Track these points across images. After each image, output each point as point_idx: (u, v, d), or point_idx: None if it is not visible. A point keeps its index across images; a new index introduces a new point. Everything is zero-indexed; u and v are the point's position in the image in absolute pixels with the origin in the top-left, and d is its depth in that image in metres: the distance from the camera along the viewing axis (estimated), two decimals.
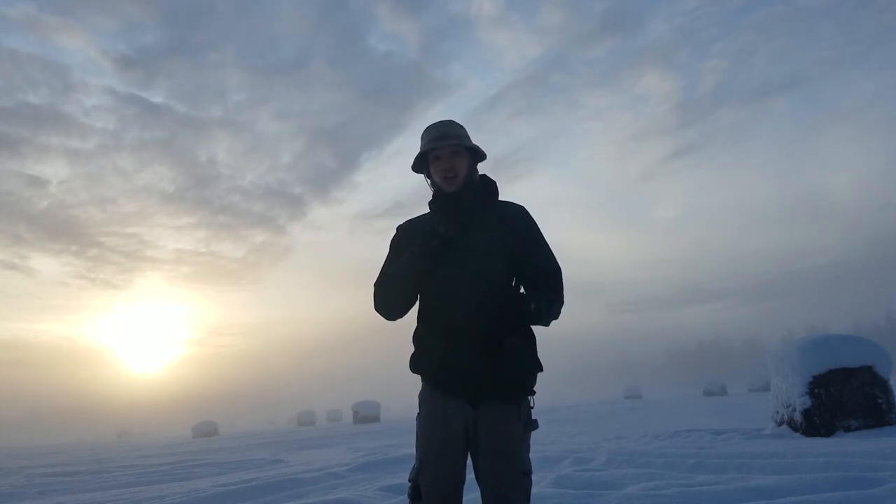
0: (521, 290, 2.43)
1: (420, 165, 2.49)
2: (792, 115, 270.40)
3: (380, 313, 2.43)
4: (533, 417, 2.33)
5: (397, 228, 2.53)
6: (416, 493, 2.29)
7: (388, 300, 2.40)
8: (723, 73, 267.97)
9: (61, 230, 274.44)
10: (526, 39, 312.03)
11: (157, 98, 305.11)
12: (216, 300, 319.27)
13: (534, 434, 2.34)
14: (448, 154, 2.37)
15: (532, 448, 2.35)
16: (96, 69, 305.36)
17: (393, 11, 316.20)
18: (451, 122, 2.45)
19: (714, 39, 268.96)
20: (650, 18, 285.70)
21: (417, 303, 2.45)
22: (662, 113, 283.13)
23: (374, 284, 2.43)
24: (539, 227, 2.47)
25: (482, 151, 2.45)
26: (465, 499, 2.39)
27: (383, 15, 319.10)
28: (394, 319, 2.43)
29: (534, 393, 2.35)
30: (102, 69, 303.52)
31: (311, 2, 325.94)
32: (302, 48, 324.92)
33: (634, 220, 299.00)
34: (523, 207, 2.49)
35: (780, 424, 9.12)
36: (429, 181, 2.48)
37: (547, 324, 2.32)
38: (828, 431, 8.33)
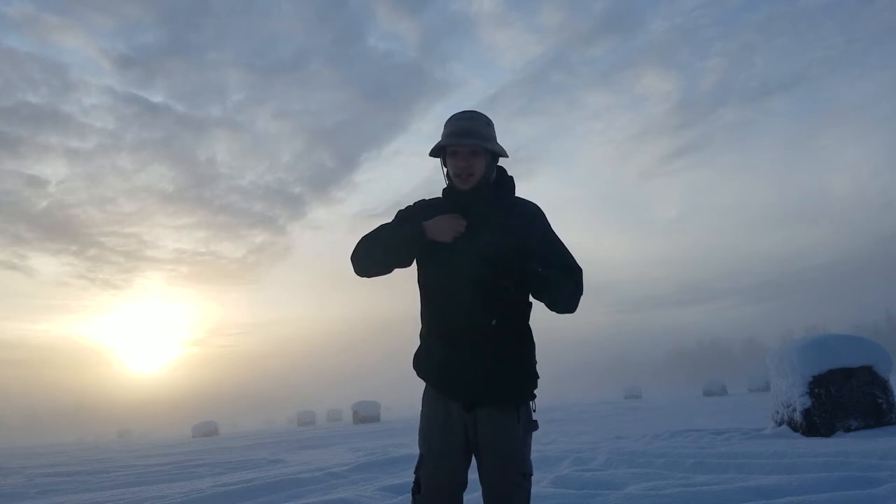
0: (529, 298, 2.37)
1: (439, 151, 2.42)
2: (792, 115, 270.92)
3: (353, 263, 2.36)
4: (533, 419, 2.33)
5: (414, 203, 2.46)
6: (417, 487, 2.33)
7: (369, 257, 2.33)
8: (723, 73, 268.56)
9: (61, 230, 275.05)
10: (526, 39, 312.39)
11: (157, 97, 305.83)
12: (216, 300, 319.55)
13: (534, 434, 2.34)
14: (466, 152, 2.29)
15: (532, 448, 2.36)
16: (95, 68, 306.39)
17: (392, 10, 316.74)
18: (477, 116, 2.33)
19: (714, 39, 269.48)
20: (650, 18, 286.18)
21: (421, 304, 2.42)
22: (662, 113, 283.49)
23: (363, 236, 2.36)
24: (553, 227, 2.41)
25: (504, 152, 2.36)
26: (466, 498, 2.40)
27: (383, 14, 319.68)
28: (362, 276, 2.37)
29: (534, 397, 2.34)
30: (101, 68, 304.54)
31: (311, 1, 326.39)
32: (301, 47, 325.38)
33: (634, 220, 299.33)
34: (538, 206, 2.42)
35: (780, 424, 9.11)
36: (444, 170, 2.39)
37: (556, 299, 2.25)
38: (828, 431, 8.33)
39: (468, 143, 2.26)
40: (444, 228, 2.26)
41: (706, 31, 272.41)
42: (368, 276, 2.38)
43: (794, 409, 8.73)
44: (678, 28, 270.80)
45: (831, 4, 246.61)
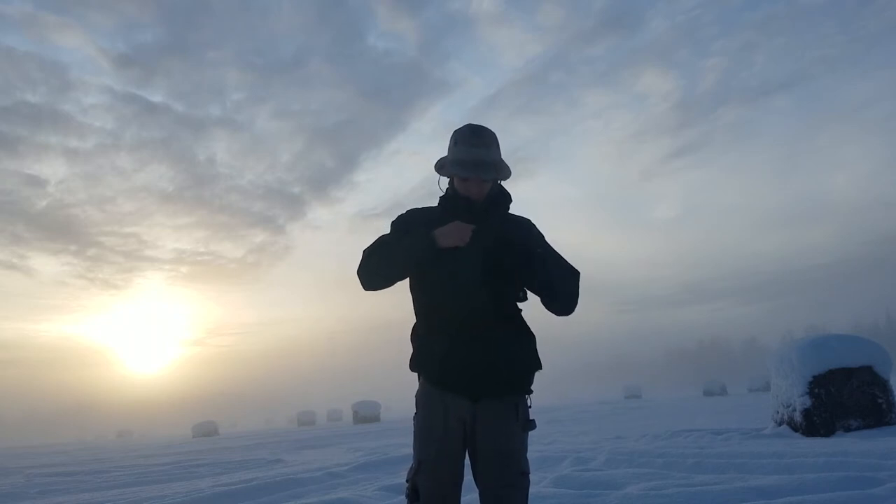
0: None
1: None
2: (792, 114, 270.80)
3: (361, 279, 2.36)
4: (531, 417, 2.34)
5: (407, 211, 2.48)
6: (414, 494, 2.28)
7: (379, 273, 2.34)
8: (723, 72, 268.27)
9: (60, 230, 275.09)
10: (525, 38, 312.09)
11: (156, 97, 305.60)
12: (216, 300, 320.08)
13: (534, 434, 2.35)
14: (478, 180, 2.33)
15: (532, 448, 2.37)
16: (94, 68, 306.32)
17: (392, 10, 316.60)
18: (489, 140, 2.33)
19: (714, 38, 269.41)
20: (650, 16, 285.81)
21: (417, 302, 2.42)
22: (662, 112, 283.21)
23: (368, 250, 2.37)
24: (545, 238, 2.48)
25: (509, 173, 2.41)
26: (464, 499, 2.39)
27: (382, 13, 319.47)
28: (369, 290, 2.39)
29: (531, 392, 2.35)
30: (100, 68, 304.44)
31: (310, 0, 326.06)
32: (301, 47, 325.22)
33: (634, 220, 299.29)
34: (530, 220, 2.50)
35: (780, 424, 9.11)
36: (447, 182, 2.43)
37: (557, 294, 2.29)
38: (828, 431, 8.33)
39: (488, 178, 2.32)
40: (453, 235, 2.28)
41: (706, 30, 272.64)
42: (376, 290, 2.39)
43: (794, 409, 8.73)
44: (678, 27, 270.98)
45: (831, 4, 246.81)
